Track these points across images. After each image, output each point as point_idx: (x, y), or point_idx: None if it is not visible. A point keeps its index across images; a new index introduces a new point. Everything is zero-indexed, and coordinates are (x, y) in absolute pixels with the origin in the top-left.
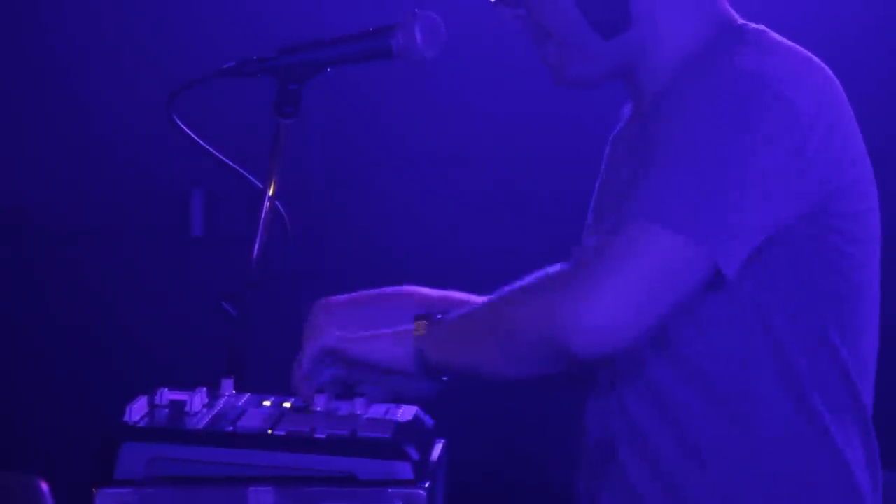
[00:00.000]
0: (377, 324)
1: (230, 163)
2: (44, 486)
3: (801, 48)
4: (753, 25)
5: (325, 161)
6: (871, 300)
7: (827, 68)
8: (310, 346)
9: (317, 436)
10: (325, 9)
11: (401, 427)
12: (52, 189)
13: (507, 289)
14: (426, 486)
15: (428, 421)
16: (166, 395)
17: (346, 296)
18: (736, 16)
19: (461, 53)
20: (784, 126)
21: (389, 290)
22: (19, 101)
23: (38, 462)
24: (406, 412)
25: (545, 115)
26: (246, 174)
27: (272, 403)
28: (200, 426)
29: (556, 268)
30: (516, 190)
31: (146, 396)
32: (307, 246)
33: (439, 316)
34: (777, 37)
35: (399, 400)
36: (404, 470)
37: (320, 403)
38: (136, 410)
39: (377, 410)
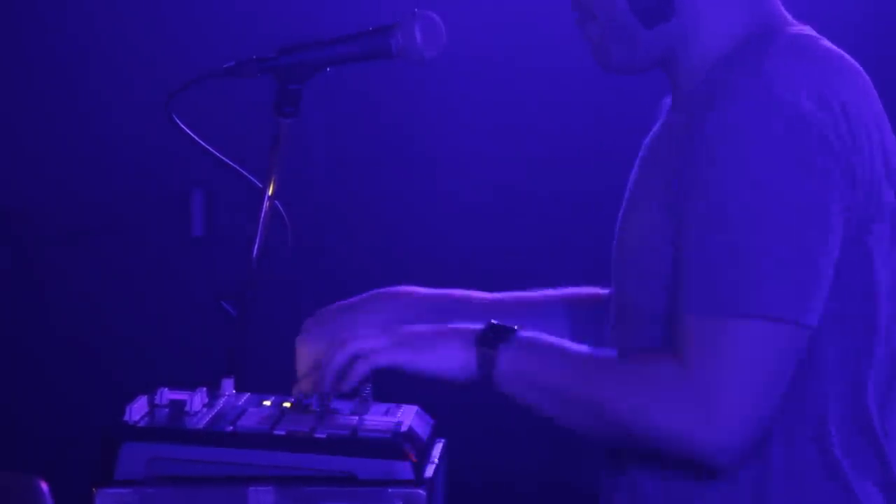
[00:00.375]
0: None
1: (230, 162)
2: (44, 486)
3: (836, 49)
4: (797, 28)
5: (325, 161)
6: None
7: (860, 70)
8: (339, 353)
9: (317, 435)
10: (324, 9)
11: (401, 427)
12: (52, 189)
13: (596, 353)
14: (426, 485)
15: (428, 421)
16: (166, 395)
17: (337, 304)
18: (788, 17)
19: (461, 53)
20: (822, 158)
21: (384, 291)
22: (19, 101)
23: (38, 462)
24: (406, 412)
25: (545, 114)
26: (246, 174)
27: (272, 403)
28: (200, 426)
29: (655, 353)
30: (516, 190)
31: (146, 396)
32: (307, 246)
33: (516, 328)
34: (818, 37)
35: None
36: (404, 470)
37: (321, 403)
38: (137, 410)
39: (377, 410)
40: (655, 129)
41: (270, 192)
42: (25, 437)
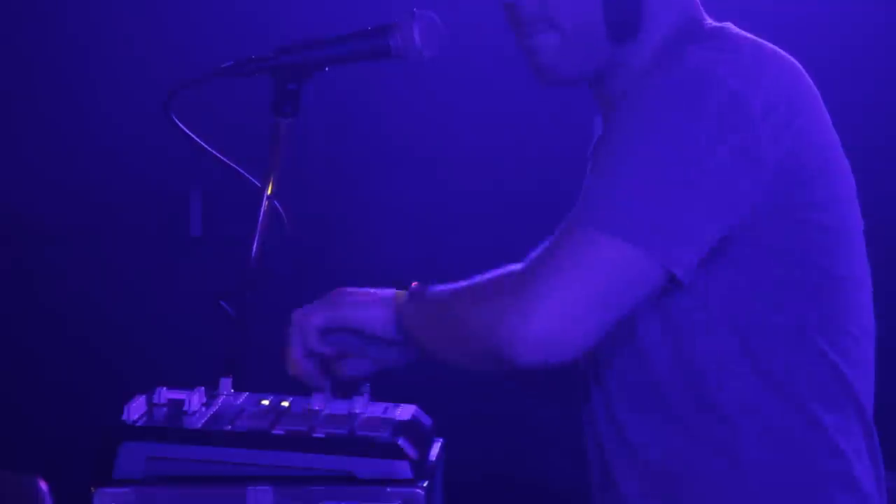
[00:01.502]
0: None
1: (229, 162)
2: (43, 485)
3: (765, 43)
4: (714, 24)
5: (324, 160)
6: (857, 295)
7: (792, 60)
8: (297, 331)
9: (315, 435)
10: (323, 8)
11: (399, 426)
12: (50, 189)
13: (471, 281)
14: (424, 485)
15: (426, 420)
16: (165, 395)
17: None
18: (705, 16)
19: (460, 53)
20: (730, 120)
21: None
22: (18, 101)
23: (38, 461)
24: (404, 411)
25: (545, 114)
26: (244, 174)
27: (270, 402)
28: (199, 425)
29: (511, 268)
30: (516, 189)
31: (145, 396)
32: (305, 245)
33: (420, 287)
34: (738, 32)
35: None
36: (403, 469)
37: (319, 402)
38: (135, 410)
39: (375, 409)
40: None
41: (269, 191)
42: (25, 437)
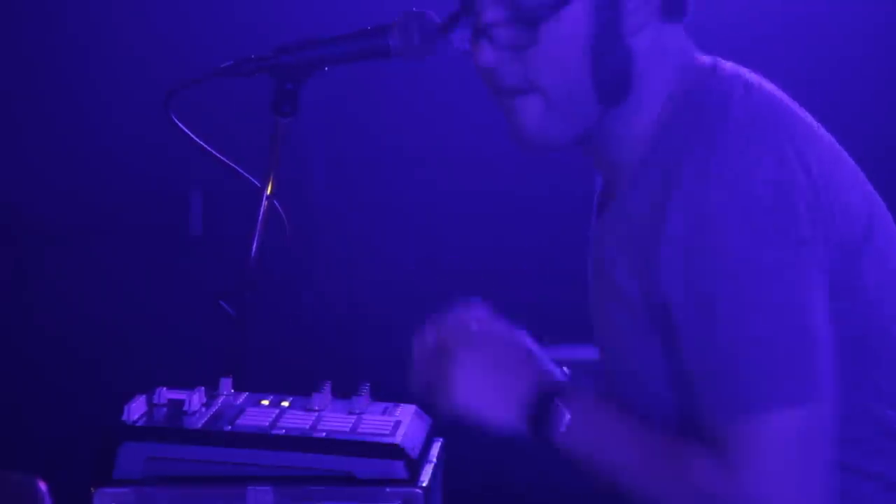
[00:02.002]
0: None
1: (228, 162)
2: (42, 485)
3: (768, 88)
4: (709, 64)
5: (323, 160)
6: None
7: (787, 102)
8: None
9: (315, 435)
10: (322, 8)
11: (399, 426)
12: (51, 189)
13: (635, 439)
14: (424, 485)
15: (426, 420)
16: (165, 395)
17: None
18: (695, 54)
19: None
20: (792, 219)
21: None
22: (18, 101)
23: (37, 462)
24: (404, 411)
25: None
26: (244, 173)
27: (270, 402)
28: (199, 425)
29: (693, 460)
30: (516, 189)
31: (145, 396)
32: (305, 245)
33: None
34: (739, 78)
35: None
36: (402, 469)
37: (319, 402)
38: (135, 410)
39: (375, 409)
40: (602, 214)
41: (269, 191)
42: (24, 437)
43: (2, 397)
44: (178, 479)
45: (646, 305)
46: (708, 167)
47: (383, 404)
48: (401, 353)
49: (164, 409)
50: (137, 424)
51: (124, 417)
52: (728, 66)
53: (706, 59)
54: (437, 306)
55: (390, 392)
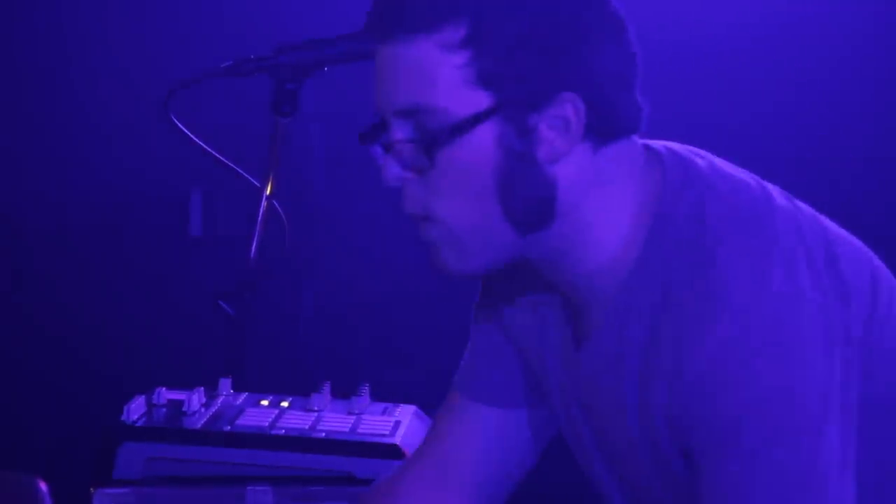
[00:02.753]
0: None
1: (228, 162)
2: (42, 485)
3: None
4: (676, 163)
5: (323, 160)
6: None
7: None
8: None
9: (315, 435)
10: (322, 8)
11: (398, 426)
12: (51, 189)
13: None
14: None
15: (426, 420)
16: (164, 395)
17: None
18: (642, 153)
19: None
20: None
21: None
22: (18, 101)
23: (37, 462)
24: (404, 412)
25: None
26: (244, 174)
27: (270, 403)
28: (198, 426)
29: None
30: None
31: (144, 396)
32: (305, 245)
33: None
34: (721, 184)
35: None
36: None
37: (319, 402)
38: (135, 410)
39: (375, 409)
40: (578, 352)
41: (268, 191)
42: (24, 437)
43: (2, 397)
44: (178, 479)
45: (674, 449)
46: (707, 307)
47: (383, 404)
48: (401, 353)
49: (164, 410)
50: (137, 425)
51: (124, 418)
52: (688, 171)
53: (663, 161)
54: (437, 306)
55: (390, 392)
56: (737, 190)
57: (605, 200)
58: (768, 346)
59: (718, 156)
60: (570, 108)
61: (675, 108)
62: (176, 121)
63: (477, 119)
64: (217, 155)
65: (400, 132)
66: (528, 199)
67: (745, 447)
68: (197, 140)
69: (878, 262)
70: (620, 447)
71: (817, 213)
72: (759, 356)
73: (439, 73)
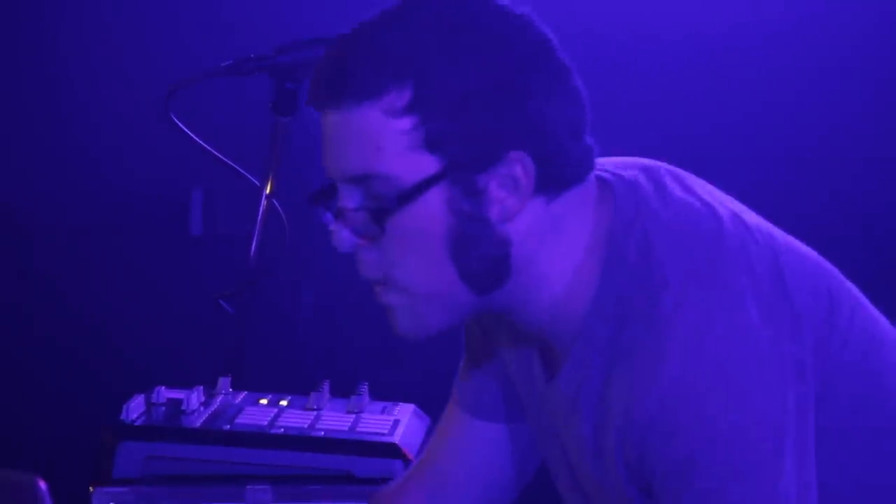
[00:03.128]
0: None
1: (228, 161)
2: (42, 484)
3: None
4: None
5: None
6: None
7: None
8: None
9: (314, 434)
10: (323, 8)
11: (397, 425)
12: (51, 188)
13: None
14: None
15: (424, 419)
16: (163, 394)
17: None
18: (595, 190)
19: None
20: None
21: None
22: (18, 100)
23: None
24: (403, 410)
25: None
26: (244, 173)
27: (269, 402)
28: (197, 424)
29: None
30: None
31: (143, 395)
32: (305, 244)
33: None
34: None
35: None
36: (401, 468)
37: (318, 402)
38: (134, 409)
39: (374, 408)
40: (547, 390)
41: (268, 190)
42: (24, 436)
43: (2, 397)
44: (177, 478)
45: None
46: (667, 345)
47: (382, 403)
48: (400, 352)
49: (163, 409)
50: (136, 423)
51: (123, 416)
52: (638, 201)
53: (615, 193)
54: None
55: (390, 392)
56: (682, 219)
57: (559, 248)
58: (717, 386)
59: (718, 156)
60: (518, 166)
61: (675, 109)
62: (176, 120)
63: (426, 184)
64: (217, 154)
65: (350, 200)
66: (482, 259)
67: (700, 488)
68: (197, 139)
69: (837, 277)
70: (590, 482)
71: (773, 233)
72: (708, 396)
73: (385, 139)
